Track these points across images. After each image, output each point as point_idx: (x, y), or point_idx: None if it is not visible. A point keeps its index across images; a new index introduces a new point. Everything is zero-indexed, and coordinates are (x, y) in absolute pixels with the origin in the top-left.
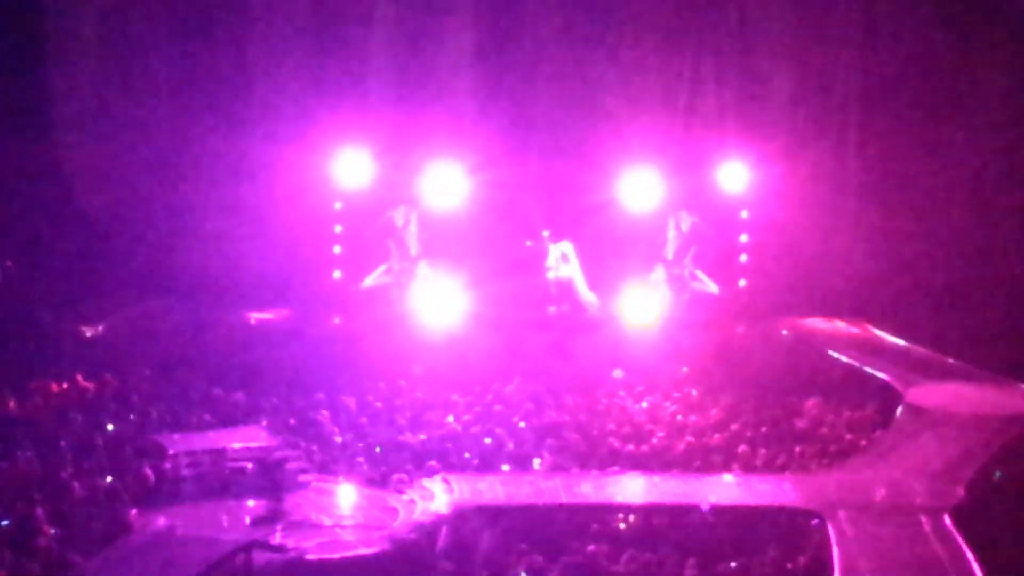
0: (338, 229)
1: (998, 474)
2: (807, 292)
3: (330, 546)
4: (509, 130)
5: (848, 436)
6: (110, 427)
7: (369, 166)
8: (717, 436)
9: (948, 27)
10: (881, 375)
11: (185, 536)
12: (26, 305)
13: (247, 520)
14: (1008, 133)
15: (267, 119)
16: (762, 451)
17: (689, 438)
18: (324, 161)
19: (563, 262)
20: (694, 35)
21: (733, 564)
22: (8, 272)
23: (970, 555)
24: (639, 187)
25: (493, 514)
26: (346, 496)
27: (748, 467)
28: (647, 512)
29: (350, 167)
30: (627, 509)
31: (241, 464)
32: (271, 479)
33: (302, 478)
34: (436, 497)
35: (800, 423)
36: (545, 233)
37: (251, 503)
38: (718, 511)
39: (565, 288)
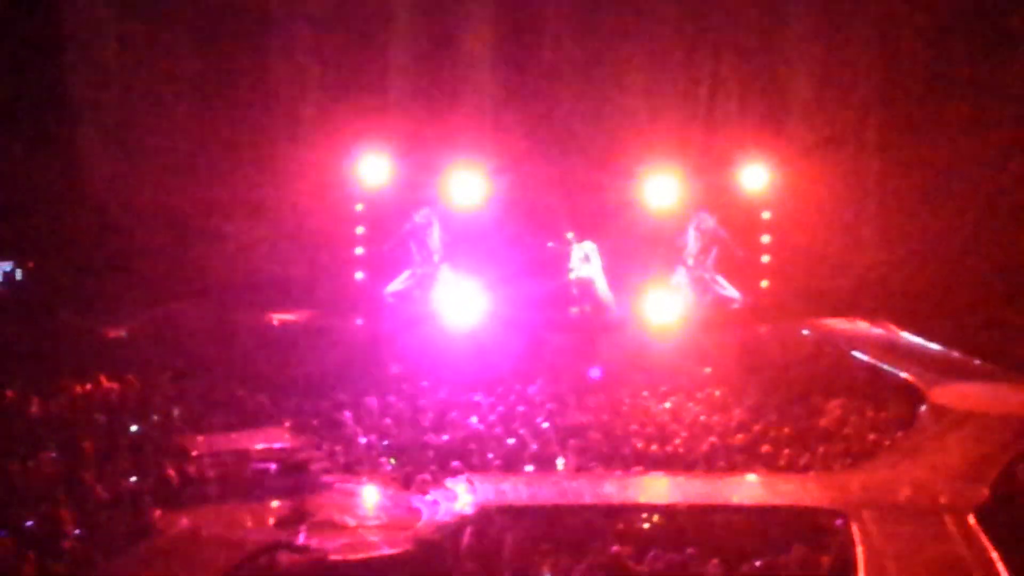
0: (360, 230)
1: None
2: (829, 292)
3: (354, 547)
4: (530, 132)
5: (871, 436)
6: (134, 428)
7: (391, 168)
8: (740, 436)
9: (969, 27)
10: (904, 375)
11: (209, 537)
12: (49, 306)
13: (271, 521)
14: None
15: (289, 121)
16: (785, 451)
17: (712, 438)
18: (346, 163)
19: (585, 263)
20: (715, 36)
21: (757, 564)
22: (31, 273)
23: (995, 555)
24: (661, 188)
25: (517, 515)
26: (370, 497)
27: (771, 467)
28: (671, 512)
29: (372, 169)
30: (651, 509)
31: (265, 465)
32: (294, 480)
33: (325, 479)
34: (460, 498)
35: (823, 423)
36: (569, 235)
37: (275, 504)
38: (743, 510)
39: (587, 289)
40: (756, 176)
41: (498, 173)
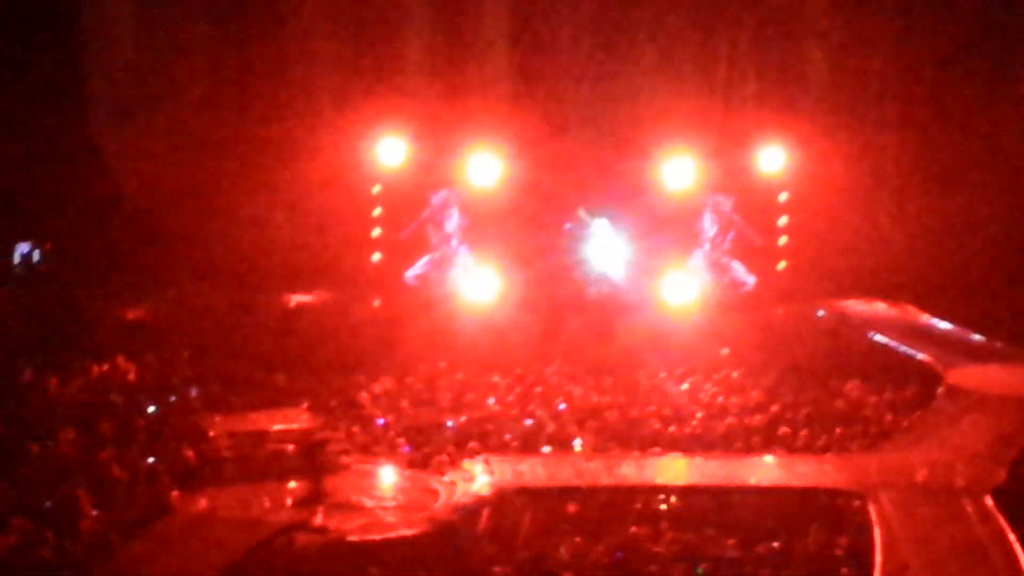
0: (377, 212)
1: None
2: (848, 273)
3: (371, 528)
4: (548, 113)
5: (889, 417)
6: (151, 409)
7: (408, 150)
8: (758, 417)
9: (990, 8)
10: (922, 356)
11: (226, 518)
12: (67, 288)
13: (288, 502)
14: None
15: (307, 103)
16: (803, 432)
17: (730, 419)
18: (363, 145)
19: (602, 242)
20: (733, 16)
21: (775, 544)
22: (49, 255)
23: (1012, 536)
24: (678, 170)
25: (534, 496)
26: (387, 478)
27: (789, 448)
28: (688, 493)
29: (389, 151)
30: (668, 490)
31: (282, 446)
32: (312, 461)
33: (343, 460)
34: (477, 479)
35: (841, 404)
36: (581, 212)
37: (292, 485)
38: (760, 491)
39: (604, 269)
40: (774, 157)
41: (515, 154)
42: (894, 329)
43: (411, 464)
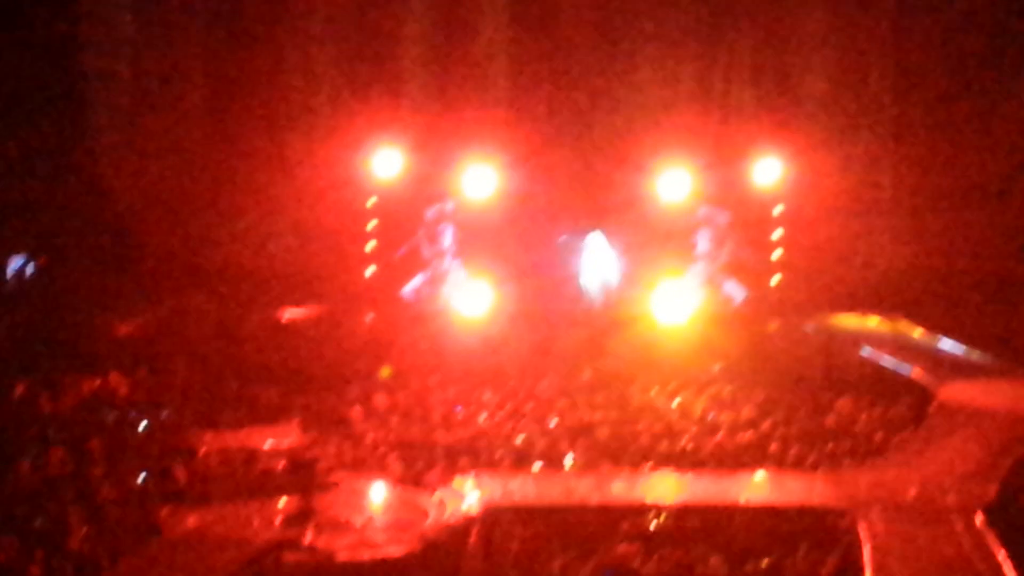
0: (372, 225)
1: None
2: (841, 288)
3: (360, 546)
4: (542, 126)
5: (880, 434)
6: (142, 425)
7: (403, 163)
8: (749, 434)
9: (981, 21)
10: (913, 372)
11: (216, 536)
12: (59, 302)
13: (278, 519)
14: None
15: (301, 116)
16: (794, 449)
17: (721, 436)
18: (358, 158)
19: (595, 257)
20: (728, 29)
21: (764, 562)
22: (42, 269)
23: (1003, 554)
24: (673, 183)
25: (524, 513)
26: (377, 495)
27: (780, 465)
28: (678, 510)
29: (384, 163)
30: (658, 507)
31: (272, 463)
32: (302, 478)
33: (333, 477)
34: (467, 496)
35: (832, 421)
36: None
37: (282, 502)
38: (750, 508)
39: (597, 284)
40: (769, 170)
41: (510, 167)
42: (886, 344)
43: (401, 481)
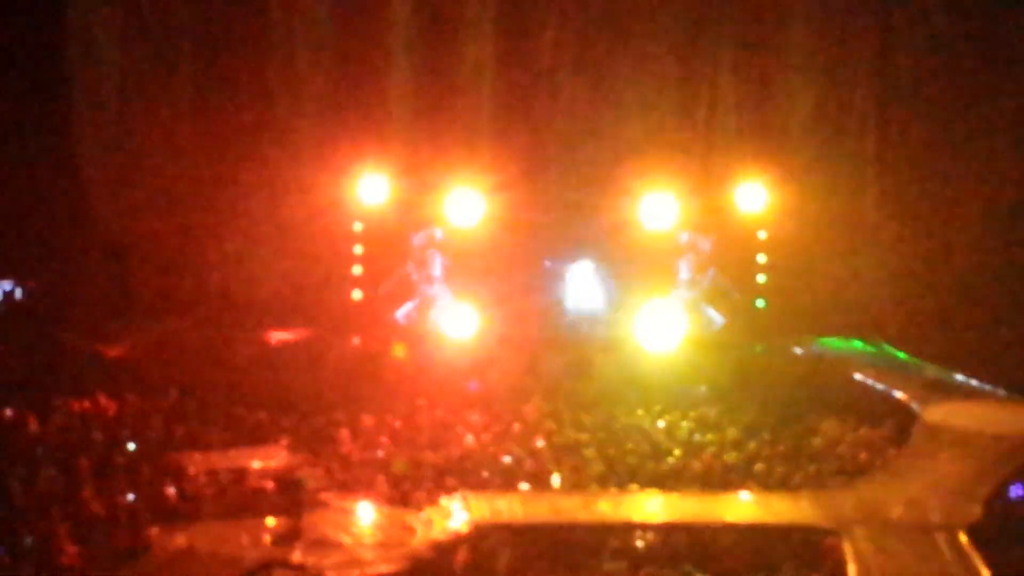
0: (358, 249)
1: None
2: (825, 311)
3: (349, 565)
4: (527, 152)
5: (864, 455)
6: (131, 446)
7: (389, 187)
8: (734, 454)
9: (965, 48)
10: (898, 394)
11: (205, 554)
12: (48, 325)
13: (267, 538)
14: None
15: (288, 141)
16: (779, 469)
17: (707, 456)
18: (345, 183)
19: (581, 281)
20: (712, 56)
21: None
22: (30, 292)
23: (986, 573)
24: (657, 208)
25: (512, 532)
26: (365, 515)
27: (765, 485)
28: (665, 530)
29: (370, 188)
30: (645, 527)
31: (261, 483)
32: (291, 498)
33: (321, 497)
34: (455, 516)
35: (817, 442)
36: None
37: (271, 522)
38: (736, 528)
39: (580, 305)
40: (753, 196)
41: (495, 193)
42: (871, 367)
43: (389, 501)
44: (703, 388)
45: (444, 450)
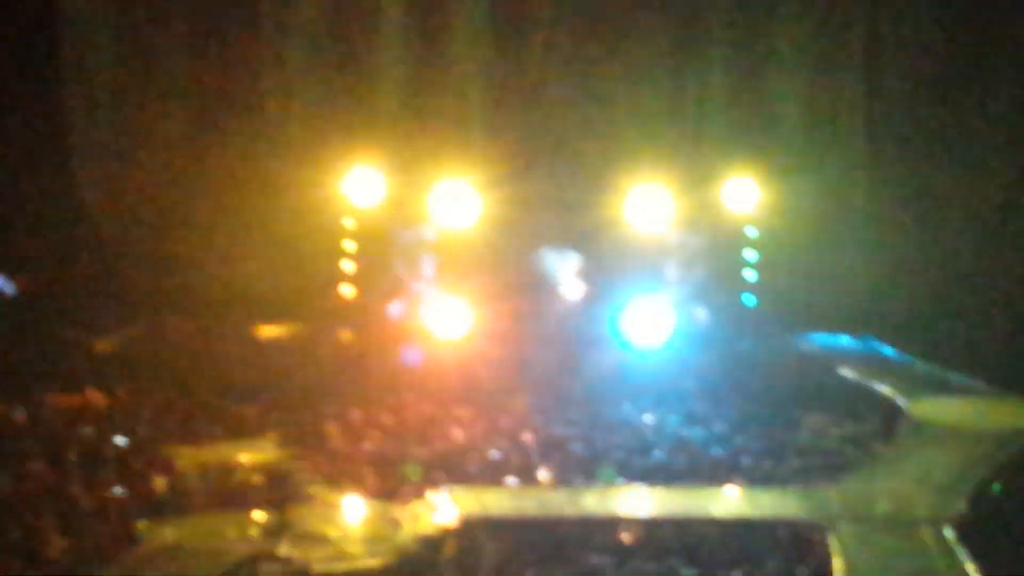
0: (349, 245)
1: (997, 488)
2: (814, 307)
3: (336, 558)
4: (517, 149)
5: (851, 449)
6: (119, 440)
7: (380, 184)
8: (721, 449)
9: (957, 47)
10: (884, 389)
11: (192, 548)
12: (36, 318)
13: (254, 532)
14: (1018, 149)
15: (279, 136)
16: (765, 464)
17: (693, 451)
18: (336, 178)
19: (568, 276)
20: (702, 53)
21: (736, 574)
22: (19, 285)
23: (971, 568)
24: (646, 205)
25: (498, 527)
26: (352, 508)
27: (751, 480)
28: (651, 524)
29: (361, 184)
30: (631, 521)
31: (249, 477)
32: (278, 491)
33: (309, 490)
34: (442, 510)
35: (803, 436)
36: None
37: (258, 515)
38: (722, 522)
39: (570, 303)
40: (742, 192)
41: (486, 190)
42: (858, 362)
43: (376, 495)
44: (690, 383)
45: (431, 444)
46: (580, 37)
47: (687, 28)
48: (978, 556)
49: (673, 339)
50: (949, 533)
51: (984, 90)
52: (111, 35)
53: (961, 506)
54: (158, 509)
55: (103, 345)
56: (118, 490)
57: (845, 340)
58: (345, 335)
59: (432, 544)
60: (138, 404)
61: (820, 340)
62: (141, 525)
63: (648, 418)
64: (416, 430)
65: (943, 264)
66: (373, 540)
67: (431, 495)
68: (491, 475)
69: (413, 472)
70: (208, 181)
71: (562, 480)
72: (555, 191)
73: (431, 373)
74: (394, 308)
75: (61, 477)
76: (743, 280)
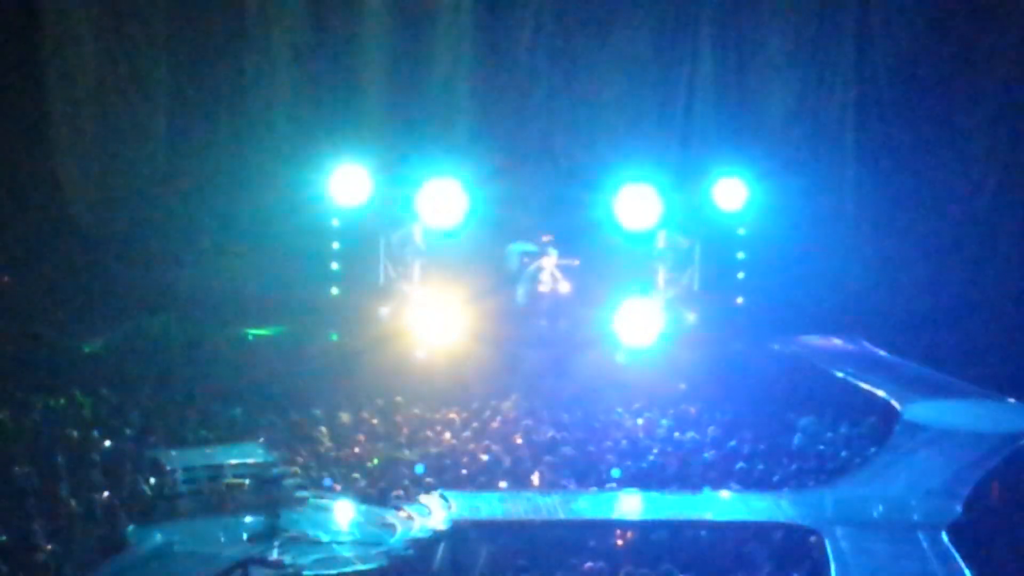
0: (336, 246)
1: (992, 491)
2: (805, 309)
3: (327, 562)
4: (505, 148)
5: (845, 453)
6: (108, 443)
7: (367, 183)
8: (714, 452)
9: (946, 44)
10: (878, 392)
11: (182, 552)
12: (24, 320)
13: (244, 536)
14: (1006, 150)
15: (265, 136)
16: (759, 467)
17: (685, 454)
18: (322, 177)
19: (552, 273)
20: (691, 51)
21: None
22: (6, 287)
23: (967, 572)
24: (636, 204)
25: (490, 530)
26: (343, 512)
27: (745, 483)
28: (644, 528)
29: (348, 184)
30: (624, 525)
31: (238, 480)
32: (268, 495)
33: (299, 494)
34: (433, 513)
35: (797, 440)
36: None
37: (248, 519)
38: (716, 526)
39: (558, 302)
40: (732, 193)
41: (473, 189)
42: (851, 364)
43: (367, 499)
44: (683, 385)
45: (423, 448)
46: (567, 36)
47: (675, 27)
48: (973, 560)
49: (663, 340)
50: (945, 537)
51: (974, 90)
52: (93, 31)
53: (956, 510)
54: (147, 513)
55: (89, 347)
56: (106, 494)
57: (838, 341)
58: (334, 336)
59: (424, 548)
60: (125, 406)
61: (812, 341)
62: (130, 529)
63: (640, 421)
64: (407, 433)
65: (936, 265)
66: (364, 543)
67: (423, 498)
68: (483, 478)
69: (406, 474)
70: (194, 181)
71: (554, 483)
72: (543, 191)
73: (420, 374)
74: (382, 308)
75: (49, 481)
76: (733, 280)
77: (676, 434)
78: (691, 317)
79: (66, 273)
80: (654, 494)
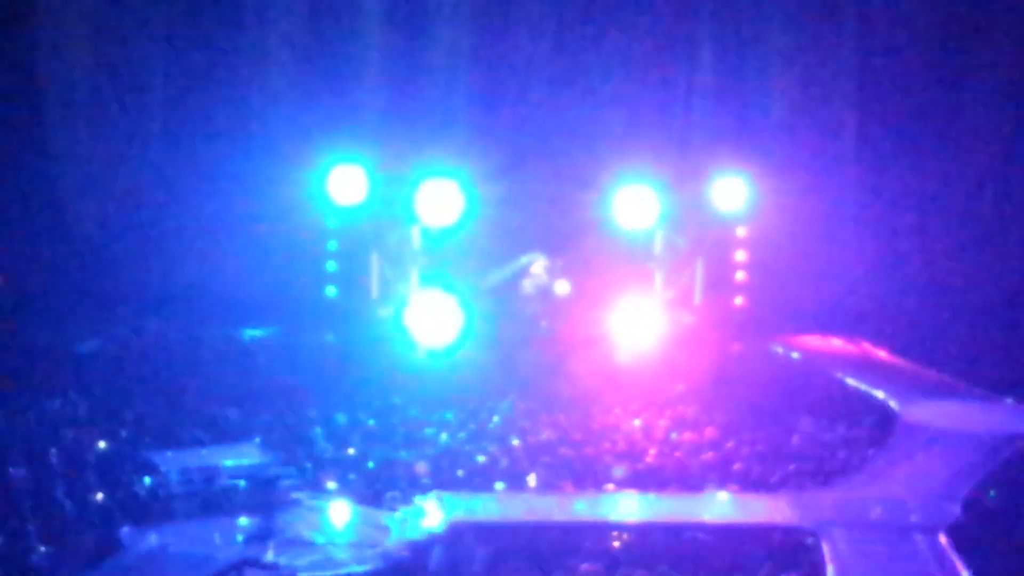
0: (333, 246)
1: (993, 494)
2: (803, 309)
3: (323, 564)
4: (503, 147)
5: (843, 454)
6: (102, 444)
7: (364, 182)
8: (712, 454)
9: (947, 43)
10: (877, 393)
11: (177, 553)
12: (17, 321)
13: (239, 538)
14: (1008, 150)
15: (261, 135)
16: (757, 469)
17: (683, 456)
18: (319, 177)
19: (549, 275)
20: (690, 51)
21: None
22: (1, 289)
23: (966, 574)
24: (634, 204)
25: (487, 532)
26: (339, 514)
27: (743, 485)
28: (641, 530)
29: (345, 183)
30: (621, 527)
31: (234, 481)
32: (264, 496)
33: (294, 496)
34: (430, 515)
35: (795, 441)
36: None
37: (243, 521)
38: (713, 528)
39: (555, 304)
40: (731, 192)
41: (472, 188)
42: (850, 365)
43: (363, 500)
44: (680, 386)
45: (419, 449)
46: (566, 33)
47: (675, 24)
48: (973, 563)
49: (661, 341)
50: (943, 539)
51: (976, 86)
52: (89, 31)
53: (955, 512)
54: (142, 514)
55: (83, 347)
56: (101, 496)
57: (837, 342)
58: (330, 337)
59: (420, 550)
60: (120, 408)
61: (811, 342)
62: (124, 531)
63: (637, 422)
64: (403, 434)
65: (936, 263)
66: (360, 546)
67: (419, 500)
68: (479, 480)
69: (402, 476)
70: (189, 180)
71: (551, 485)
72: (541, 190)
73: (418, 375)
74: (379, 309)
75: (43, 482)
76: (732, 281)
77: (674, 435)
78: (689, 318)
79: (60, 273)
80: (651, 496)
